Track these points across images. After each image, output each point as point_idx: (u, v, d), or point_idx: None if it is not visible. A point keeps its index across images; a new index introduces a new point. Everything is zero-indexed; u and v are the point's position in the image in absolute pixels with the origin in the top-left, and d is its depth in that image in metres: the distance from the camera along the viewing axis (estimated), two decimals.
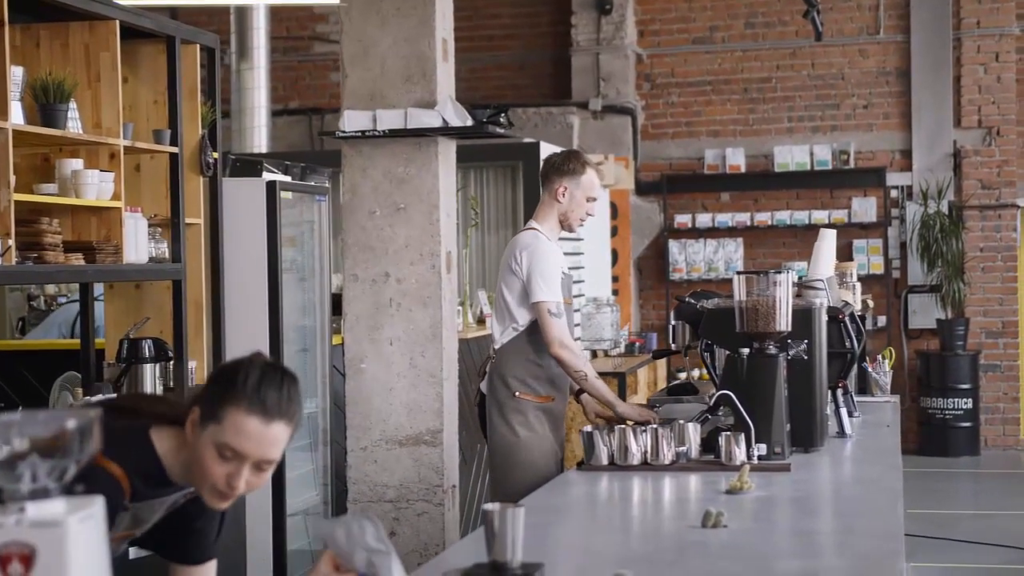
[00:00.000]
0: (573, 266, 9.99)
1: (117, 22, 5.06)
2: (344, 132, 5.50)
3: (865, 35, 12.54)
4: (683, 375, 10.44)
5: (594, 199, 5.22)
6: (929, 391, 12.05)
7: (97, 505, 1.75)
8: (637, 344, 10.58)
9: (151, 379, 5.30)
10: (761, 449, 4.16)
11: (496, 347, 5.22)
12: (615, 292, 11.96)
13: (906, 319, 12.44)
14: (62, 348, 6.47)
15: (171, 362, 5.46)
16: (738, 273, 4.34)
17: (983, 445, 12.17)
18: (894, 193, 12.46)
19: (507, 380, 5.12)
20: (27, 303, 8.77)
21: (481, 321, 8.62)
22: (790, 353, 4.33)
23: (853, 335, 4.88)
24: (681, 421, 4.25)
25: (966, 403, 11.96)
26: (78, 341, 5.80)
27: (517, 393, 5.09)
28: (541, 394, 5.13)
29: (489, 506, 2.70)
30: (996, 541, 8.47)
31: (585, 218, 5.23)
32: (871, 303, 9.93)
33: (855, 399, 5.50)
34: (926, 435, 12.09)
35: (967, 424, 11.99)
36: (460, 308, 8.28)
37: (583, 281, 10.34)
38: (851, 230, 12.36)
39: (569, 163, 5.21)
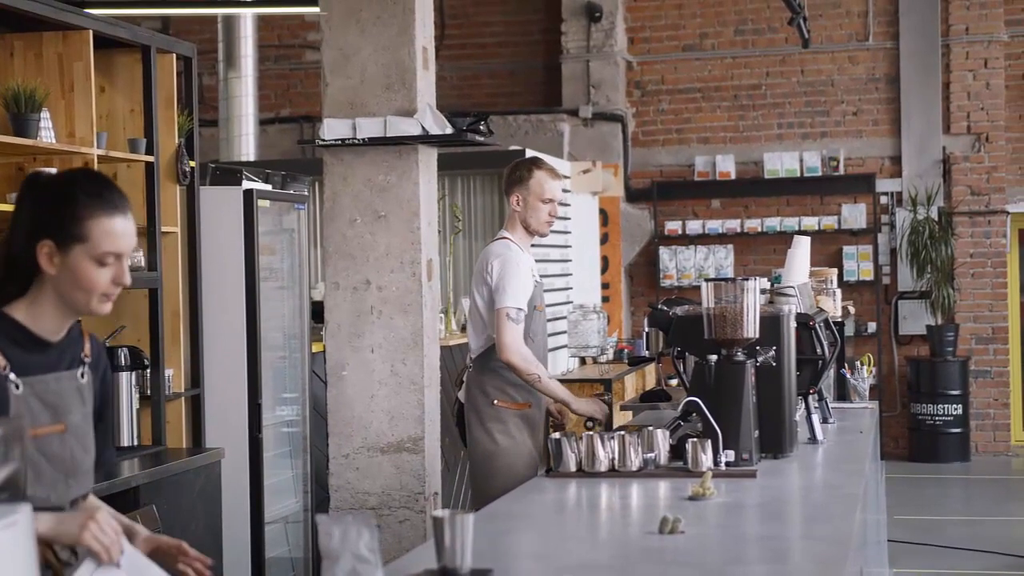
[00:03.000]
0: (561, 273, 10.04)
1: (91, 32, 5.08)
2: (324, 140, 5.52)
3: (854, 42, 12.57)
4: (674, 382, 10.45)
5: (550, 200, 5.26)
6: (919, 397, 12.06)
7: (22, 513, 1.76)
8: (626, 351, 10.59)
9: (127, 387, 5.31)
10: (729, 455, 4.17)
11: (473, 356, 5.26)
12: (606, 299, 11.98)
13: (896, 325, 12.45)
14: None
15: (147, 370, 5.48)
16: (707, 280, 4.36)
17: (973, 451, 12.18)
18: (884, 199, 12.47)
19: (485, 388, 5.17)
20: None
21: (464, 328, 8.64)
22: (758, 360, 4.35)
23: (825, 342, 4.88)
24: (650, 428, 4.26)
25: (956, 409, 11.96)
26: None
27: (496, 401, 5.15)
28: (519, 401, 5.18)
29: (438, 513, 2.73)
30: (984, 547, 8.48)
31: (550, 220, 5.27)
32: (852, 309, 9.93)
33: (831, 406, 5.51)
34: (916, 441, 12.09)
35: (957, 430, 12.00)
36: (443, 315, 8.31)
37: (571, 288, 10.36)
38: (841, 236, 12.37)
39: (516, 171, 5.30)
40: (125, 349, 5.37)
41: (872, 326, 12.30)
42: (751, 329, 4.27)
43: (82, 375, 2.76)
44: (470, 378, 5.26)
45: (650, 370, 10.71)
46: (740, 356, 4.28)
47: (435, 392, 5.68)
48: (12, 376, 2.59)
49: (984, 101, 12.30)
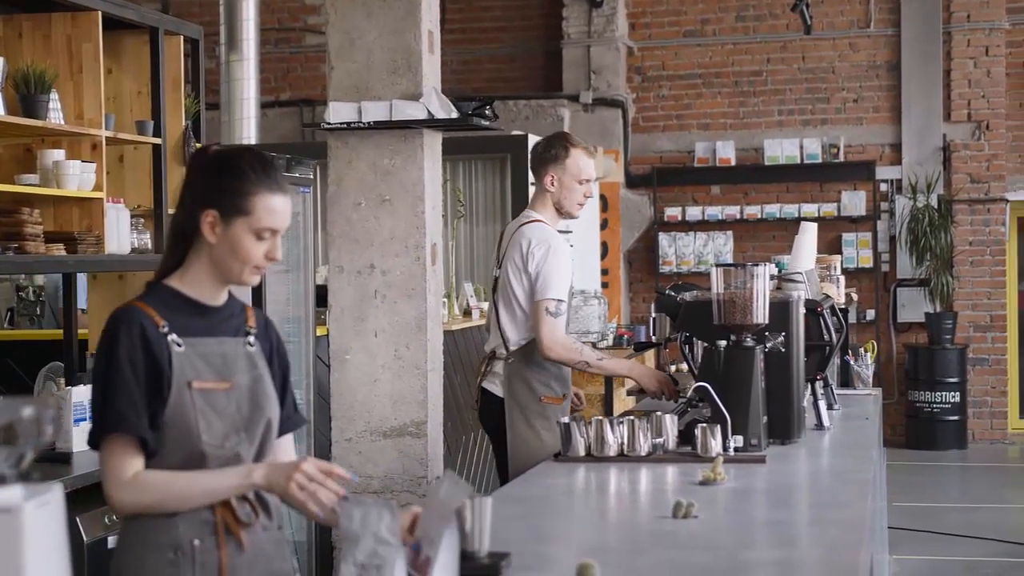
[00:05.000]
0: None
1: (99, 13, 5.07)
2: (329, 124, 5.51)
3: (855, 29, 12.56)
4: (673, 368, 10.45)
5: (587, 180, 5.10)
6: (917, 384, 12.08)
7: (54, 492, 1.76)
8: (626, 337, 10.60)
9: None
10: (738, 441, 4.17)
11: (512, 348, 5.08)
12: (605, 285, 11.98)
13: (895, 312, 12.47)
14: (48, 339, 6.49)
15: None
16: (716, 265, 4.36)
17: (970, 439, 12.21)
18: (884, 187, 12.49)
19: (531, 383, 5.03)
20: (15, 293, 8.78)
21: (467, 313, 8.63)
22: (767, 345, 4.35)
23: (832, 328, 4.89)
24: (658, 413, 4.27)
25: (954, 397, 11.99)
26: (62, 332, 5.80)
27: (542, 398, 5.01)
28: (559, 395, 5.08)
29: None
30: (981, 534, 8.51)
31: (583, 202, 5.13)
32: (855, 296, 9.95)
33: (836, 392, 5.52)
34: (914, 428, 12.12)
35: (955, 418, 12.03)
36: (446, 300, 8.31)
37: (572, 274, 10.36)
38: (840, 223, 12.38)
39: (551, 149, 5.10)
40: None
41: (871, 313, 12.32)
42: (760, 315, 4.28)
43: (250, 344, 2.88)
44: (511, 371, 5.06)
45: (649, 356, 10.73)
46: (749, 342, 4.29)
47: (438, 376, 5.67)
48: (173, 336, 2.75)
49: (985, 89, 12.31)
